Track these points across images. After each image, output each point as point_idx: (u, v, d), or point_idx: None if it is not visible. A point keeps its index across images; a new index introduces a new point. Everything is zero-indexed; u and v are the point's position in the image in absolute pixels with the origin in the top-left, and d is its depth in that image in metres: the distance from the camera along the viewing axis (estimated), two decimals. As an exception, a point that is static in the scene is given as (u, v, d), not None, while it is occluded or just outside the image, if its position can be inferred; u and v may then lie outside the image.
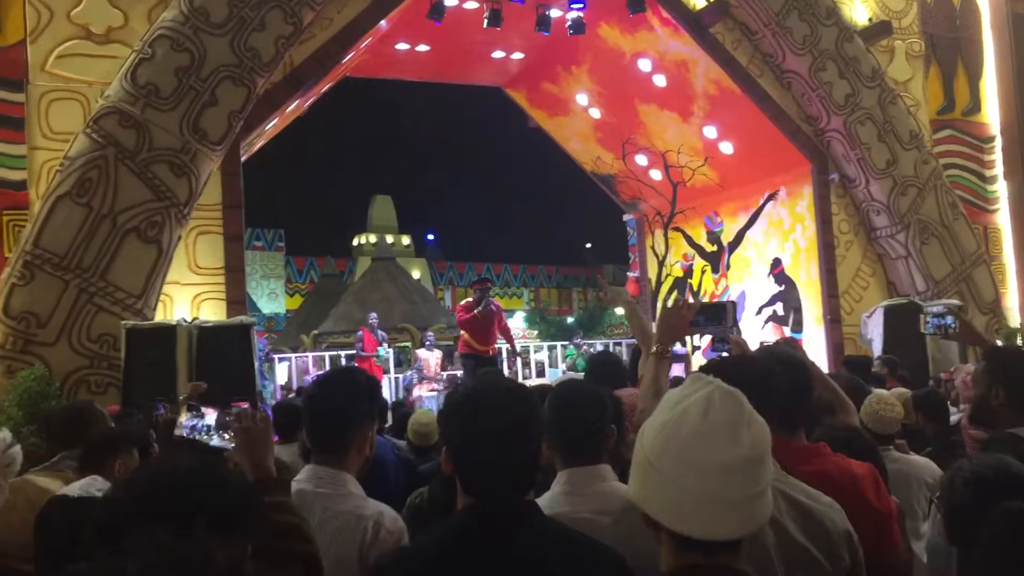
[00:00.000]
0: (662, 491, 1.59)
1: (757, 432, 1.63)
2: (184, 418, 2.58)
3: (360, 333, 15.29)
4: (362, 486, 2.69)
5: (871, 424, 4.36)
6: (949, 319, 4.14)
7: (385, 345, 15.38)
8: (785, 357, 2.86)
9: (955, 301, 11.28)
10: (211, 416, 2.53)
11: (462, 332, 11.99)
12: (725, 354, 3.40)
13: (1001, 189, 13.75)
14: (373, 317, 15.55)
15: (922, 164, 12.29)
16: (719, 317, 3.31)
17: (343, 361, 16.09)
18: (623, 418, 2.89)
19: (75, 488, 2.28)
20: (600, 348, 18.94)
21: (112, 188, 8.57)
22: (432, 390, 14.17)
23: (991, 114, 13.88)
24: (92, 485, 2.26)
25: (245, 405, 2.60)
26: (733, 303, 3.56)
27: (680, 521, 1.58)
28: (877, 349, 10.98)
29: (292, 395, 12.80)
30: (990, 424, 3.42)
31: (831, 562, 2.29)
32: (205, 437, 2.88)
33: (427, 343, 15.34)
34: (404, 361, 16.84)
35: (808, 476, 2.49)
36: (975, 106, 13.82)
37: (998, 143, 13.79)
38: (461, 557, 1.95)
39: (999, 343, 4.48)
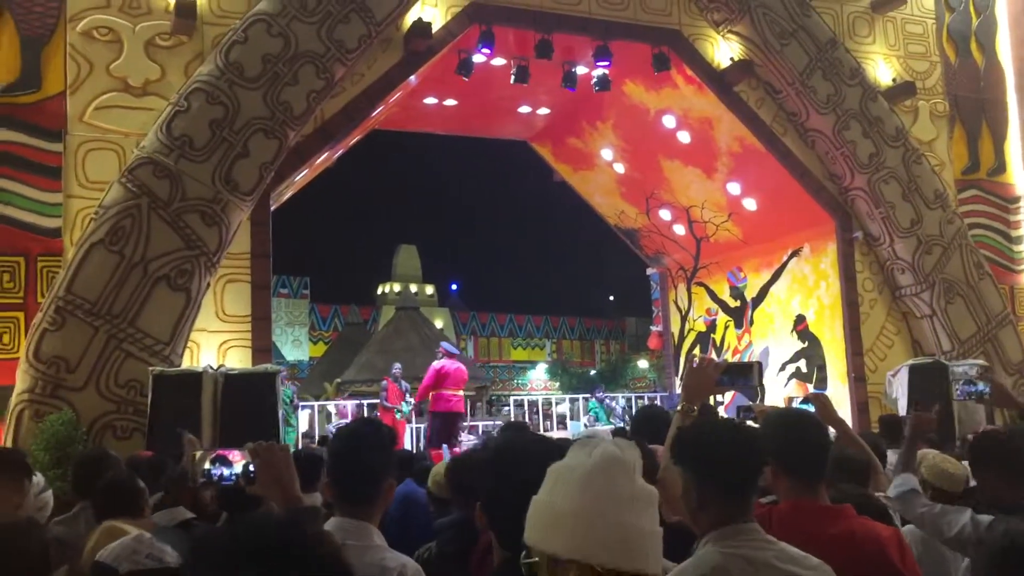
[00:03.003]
0: (603, 532, 1.63)
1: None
2: (209, 466, 2.61)
3: (385, 383, 15.27)
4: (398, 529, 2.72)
5: (938, 481, 4.13)
6: (981, 385, 4.09)
7: (408, 397, 15.35)
8: (799, 416, 2.88)
9: (981, 361, 11.19)
10: (239, 464, 2.56)
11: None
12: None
13: (1027, 249, 13.70)
14: (397, 368, 15.52)
15: (947, 223, 12.29)
16: (746, 376, 3.32)
17: (366, 410, 16.10)
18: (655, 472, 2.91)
19: (117, 553, 2.29)
20: (622, 402, 18.87)
21: (144, 236, 8.73)
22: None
23: (1016, 174, 13.87)
24: (138, 551, 2.28)
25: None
26: (759, 363, 3.58)
27: (626, 555, 1.62)
28: (902, 408, 10.86)
29: (313, 444, 12.81)
30: None
31: None
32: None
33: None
34: (425, 411, 16.82)
35: (833, 539, 2.50)
36: (1000, 166, 13.83)
37: (1023, 203, 13.77)
38: None
39: None
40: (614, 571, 1.62)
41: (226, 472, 2.61)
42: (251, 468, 2.48)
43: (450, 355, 13.08)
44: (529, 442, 2.25)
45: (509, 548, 2.07)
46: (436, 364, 12.90)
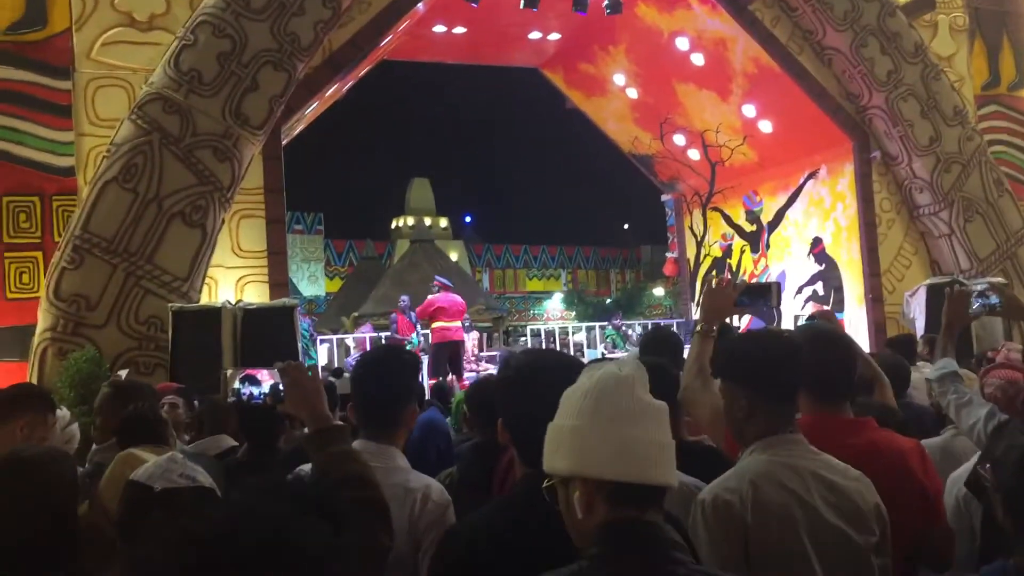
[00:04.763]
0: (599, 446, 1.64)
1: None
2: (238, 384, 2.64)
3: (394, 316, 15.46)
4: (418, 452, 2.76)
5: None
6: (993, 298, 4.08)
7: (419, 327, 15.46)
8: (826, 332, 2.88)
9: (1000, 279, 11.12)
10: (267, 384, 2.58)
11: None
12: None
13: (1048, 165, 13.50)
14: (404, 300, 15.64)
15: (966, 140, 12.10)
16: (764, 297, 3.33)
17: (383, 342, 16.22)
18: (675, 394, 2.95)
19: (151, 472, 2.33)
20: (639, 328, 18.92)
21: (157, 173, 8.72)
22: (471, 371, 14.24)
23: (1037, 88, 13.62)
24: (172, 470, 2.32)
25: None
26: (777, 283, 3.58)
27: (623, 466, 1.63)
28: (920, 328, 10.84)
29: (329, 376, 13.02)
30: None
31: (862, 537, 2.32)
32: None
33: (465, 324, 15.37)
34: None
35: (854, 450, 2.51)
36: (1021, 80, 13.55)
37: (1044, 118, 13.54)
38: (527, 524, 1.98)
39: None
40: (623, 484, 1.63)
41: (255, 391, 2.64)
42: (280, 387, 2.51)
43: (445, 287, 13.66)
44: (548, 358, 2.28)
45: (529, 463, 2.10)
46: (431, 297, 13.54)
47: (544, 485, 1.74)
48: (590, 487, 1.65)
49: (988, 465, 2.20)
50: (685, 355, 4.48)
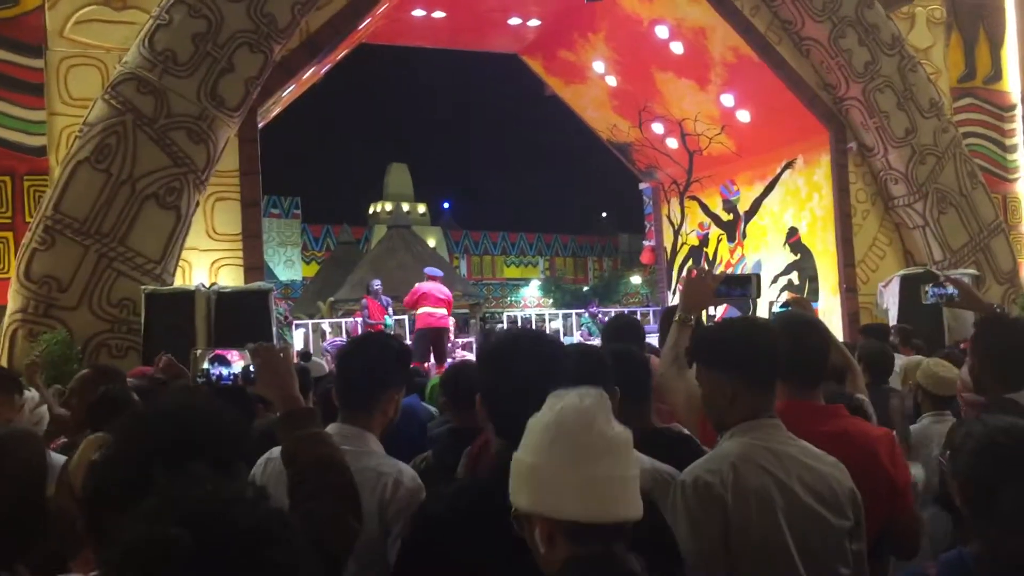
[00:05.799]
0: (559, 486, 1.62)
1: (620, 425, 1.70)
2: (207, 365, 2.60)
3: (364, 301, 15.38)
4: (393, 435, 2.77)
5: (929, 386, 4.26)
6: (950, 288, 4.16)
7: (391, 311, 15.41)
8: (801, 320, 2.89)
9: (972, 271, 11.24)
10: (238, 364, 2.54)
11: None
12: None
13: (1021, 158, 13.62)
14: (376, 283, 15.56)
15: (941, 133, 12.19)
16: (743, 287, 3.34)
17: (359, 328, 16.15)
18: (650, 380, 2.95)
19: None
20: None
21: (131, 154, 8.62)
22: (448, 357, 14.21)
23: (1012, 82, 13.72)
24: None
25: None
26: (758, 275, 3.60)
27: (582, 507, 1.61)
28: (893, 318, 10.96)
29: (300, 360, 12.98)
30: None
31: (838, 522, 2.34)
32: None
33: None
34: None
35: (825, 436, 2.53)
36: (996, 74, 13.66)
37: (1019, 111, 13.65)
38: (498, 498, 1.99)
39: (1000, 308, 4.43)
40: (580, 523, 1.62)
41: (224, 372, 2.60)
42: (251, 368, 2.48)
43: (431, 277, 13.82)
44: (525, 336, 2.34)
45: (505, 436, 2.11)
46: (416, 285, 13.79)
47: (512, 514, 1.72)
48: (551, 523, 1.64)
49: (948, 452, 2.21)
50: (648, 342, 4.52)
